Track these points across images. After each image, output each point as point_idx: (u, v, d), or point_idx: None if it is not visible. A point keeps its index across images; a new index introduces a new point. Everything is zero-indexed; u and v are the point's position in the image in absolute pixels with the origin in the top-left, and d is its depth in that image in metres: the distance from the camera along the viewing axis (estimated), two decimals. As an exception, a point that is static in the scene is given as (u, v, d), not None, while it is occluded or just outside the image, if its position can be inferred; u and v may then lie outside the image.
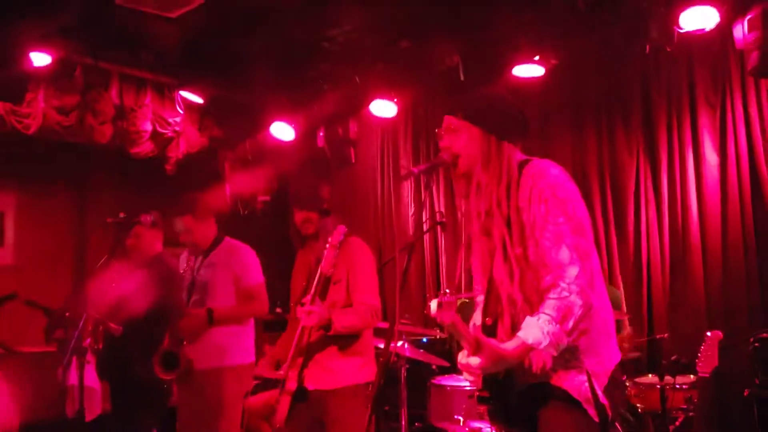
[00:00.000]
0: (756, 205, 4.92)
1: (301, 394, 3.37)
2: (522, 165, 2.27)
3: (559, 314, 2.04)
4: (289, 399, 3.36)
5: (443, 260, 6.38)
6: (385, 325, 4.69)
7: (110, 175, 6.71)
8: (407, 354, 4.62)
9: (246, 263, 4.08)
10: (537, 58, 5.15)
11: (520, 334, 2.06)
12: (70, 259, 6.48)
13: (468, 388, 4.72)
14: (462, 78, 5.51)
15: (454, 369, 5.29)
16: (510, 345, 2.06)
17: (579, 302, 2.06)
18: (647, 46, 4.79)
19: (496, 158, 2.25)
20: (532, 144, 2.50)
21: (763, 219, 4.89)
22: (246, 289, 4.04)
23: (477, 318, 2.39)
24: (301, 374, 3.38)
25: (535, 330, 2.04)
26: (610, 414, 2.15)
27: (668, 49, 4.74)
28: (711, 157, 5.11)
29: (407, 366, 4.72)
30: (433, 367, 5.09)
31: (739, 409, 4.49)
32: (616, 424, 4.00)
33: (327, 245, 3.27)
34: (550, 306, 2.06)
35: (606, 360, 2.22)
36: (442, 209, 6.22)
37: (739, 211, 4.94)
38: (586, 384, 2.13)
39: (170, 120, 6.40)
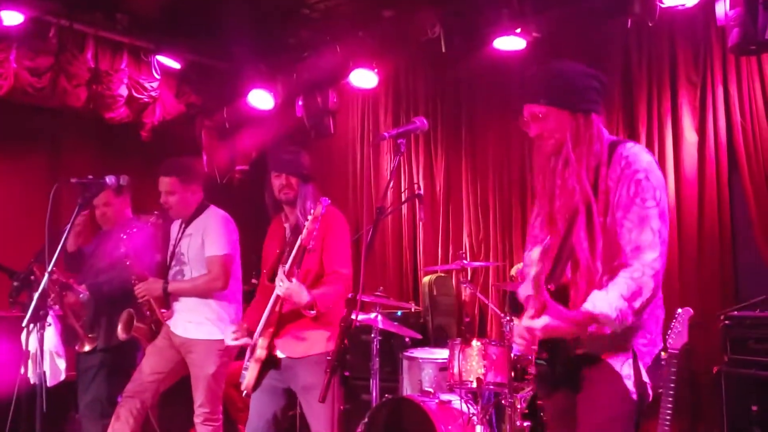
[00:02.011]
0: (733, 185, 4.92)
1: (270, 362, 3.34)
2: (613, 145, 2.28)
3: (629, 292, 2.08)
4: (259, 366, 3.33)
5: (420, 233, 6.35)
6: (366, 297, 4.70)
7: (84, 140, 6.59)
8: (380, 326, 4.62)
9: (214, 232, 3.90)
10: (518, 30, 5.09)
11: (587, 305, 2.10)
12: (42, 223, 6.37)
13: (440, 361, 4.73)
14: (443, 49, 5.46)
15: (426, 342, 5.30)
16: (576, 313, 2.12)
17: (651, 284, 2.10)
18: (629, 21, 4.75)
19: (585, 136, 2.25)
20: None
21: (739, 198, 4.90)
22: (206, 259, 3.88)
23: (525, 289, 2.38)
24: (272, 342, 3.35)
25: (603, 304, 2.07)
26: (651, 394, 2.23)
27: (650, 24, 4.70)
28: (690, 135, 5.09)
29: (380, 338, 4.73)
30: (406, 339, 5.08)
31: (707, 385, 4.53)
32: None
33: (310, 217, 3.16)
34: (620, 283, 2.10)
35: (653, 342, 2.27)
36: (421, 182, 6.19)
37: (715, 189, 4.94)
38: (630, 361, 2.20)
39: (147, 85, 6.29)
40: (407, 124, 2.54)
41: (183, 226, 4.02)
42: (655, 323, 2.28)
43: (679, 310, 3.83)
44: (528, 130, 2.33)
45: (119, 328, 3.97)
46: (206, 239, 3.89)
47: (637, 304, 2.08)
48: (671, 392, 3.70)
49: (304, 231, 3.15)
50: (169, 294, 3.93)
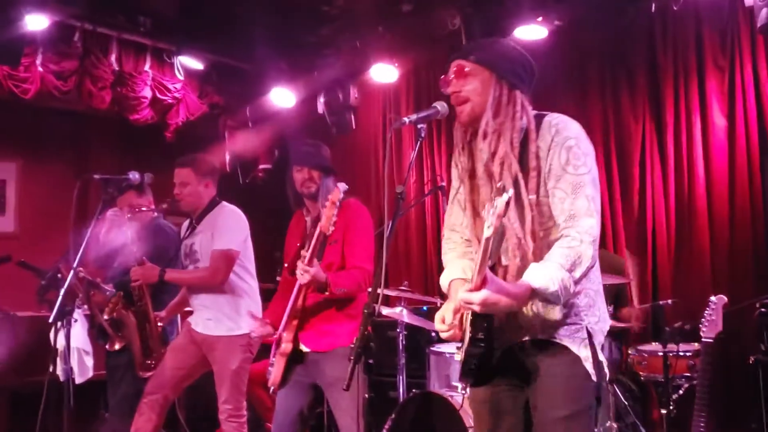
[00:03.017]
0: (764, 170, 4.80)
1: (296, 356, 3.32)
2: (539, 117, 2.20)
3: (569, 262, 2.00)
4: (284, 361, 3.31)
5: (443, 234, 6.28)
6: (390, 292, 4.66)
7: (110, 142, 6.68)
8: (406, 321, 4.57)
9: (221, 227, 3.89)
10: (540, 19, 5.02)
11: (527, 278, 1.99)
12: (72, 226, 6.46)
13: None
14: (464, 42, 5.40)
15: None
16: (515, 287, 1.99)
17: (590, 252, 2.02)
18: (653, 5, 4.66)
19: (507, 105, 2.17)
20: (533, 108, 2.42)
21: (771, 184, 4.78)
22: (211, 252, 3.87)
23: (446, 277, 2.36)
24: (296, 336, 3.33)
25: (543, 276, 1.98)
26: (606, 373, 2.16)
27: (675, 8, 4.61)
28: (719, 120, 4.98)
29: (406, 333, 4.69)
30: (432, 334, 5.03)
31: (743, 375, 4.41)
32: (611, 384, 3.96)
33: (327, 202, 3.16)
34: (559, 254, 2.02)
35: (602, 320, 2.21)
36: (443, 174, 6.13)
37: (747, 175, 4.83)
38: (586, 342, 2.12)
39: (170, 86, 6.33)
40: (428, 108, 2.49)
41: (194, 222, 4.02)
42: (601, 299, 2.22)
43: (713, 299, 3.75)
44: (446, 88, 2.25)
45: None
46: (215, 233, 3.89)
47: (577, 273, 2.00)
48: (706, 383, 3.62)
49: (323, 218, 3.13)
50: (165, 282, 3.90)
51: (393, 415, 4.33)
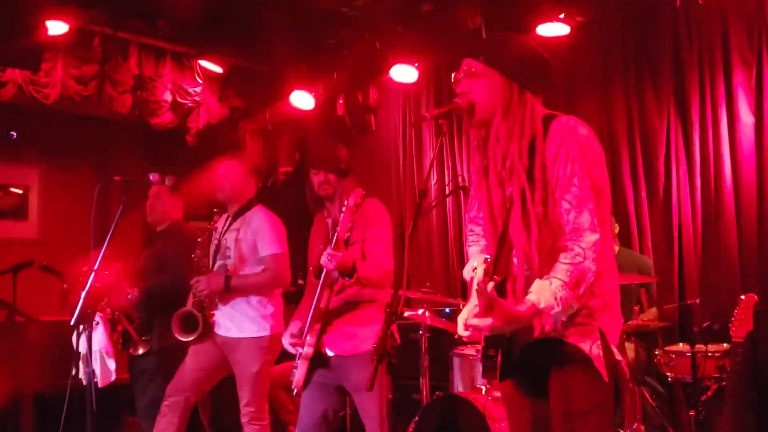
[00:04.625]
0: (794, 166, 4.70)
1: (319, 360, 3.30)
2: (547, 120, 2.15)
3: (572, 280, 1.99)
4: (307, 365, 3.29)
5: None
6: (413, 294, 4.64)
7: (132, 147, 6.71)
8: (429, 323, 4.53)
9: (268, 232, 3.89)
10: (562, 15, 4.96)
11: (532, 297, 2.00)
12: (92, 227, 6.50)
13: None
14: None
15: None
16: (521, 308, 2.01)
17: (593, 268, 2.01)
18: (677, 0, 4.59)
19: (517, 108, 2.13)
20: (556, 107, 2.38)
21: (801, 179, 4.67)
22: (262, 258, 3.87)
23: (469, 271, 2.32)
24: (320, 340, 3.31)
25: (547, 294, 1.99)
26: (627, 371, 2.11)
27: (700, 2, 4.53)
28: (746, 117, 4.88)
29: (428, 335, 4.64)
30: (456, 336, 4.96)
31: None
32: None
33: (343, 208, 3.16)
34: (562, 270, 2.01)
35: (618, 320, 2.20)
36: (465, 174, 6.08)
37: (775, 171, 4.73)
38: (598, 342, 2.09)
39: (190, 90, 6.35)
40: (450, 104, 2.44)
41: (229, 220, 4.01)
42: (615, 296, 2.20)
43: (743, 297, 3.68)
44: (456, 86, 2.22)
45: (177, 327, 3.91)
46: (260, 239, 3.87)
47: (580, 290, 2.00)
48: (736, 383, 3.54)
49: (339, 225, 3.15)
50: (231, 289, 3.83)
51: (417, 417, 4.29)
